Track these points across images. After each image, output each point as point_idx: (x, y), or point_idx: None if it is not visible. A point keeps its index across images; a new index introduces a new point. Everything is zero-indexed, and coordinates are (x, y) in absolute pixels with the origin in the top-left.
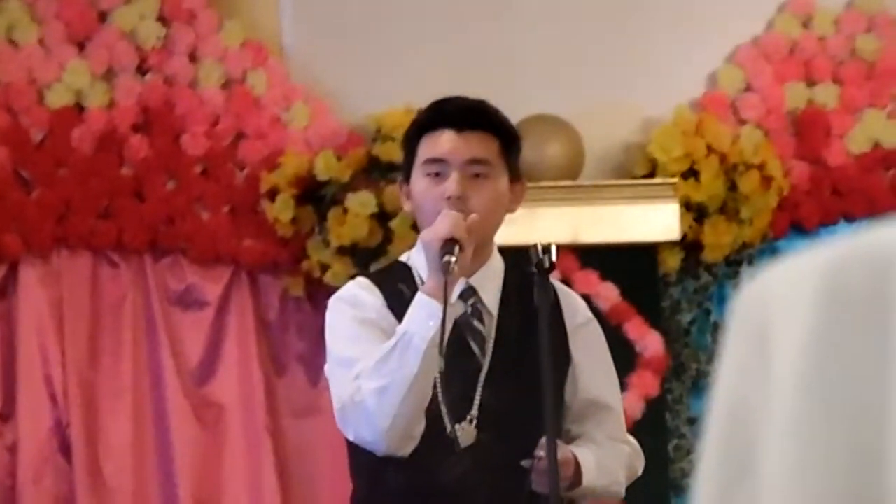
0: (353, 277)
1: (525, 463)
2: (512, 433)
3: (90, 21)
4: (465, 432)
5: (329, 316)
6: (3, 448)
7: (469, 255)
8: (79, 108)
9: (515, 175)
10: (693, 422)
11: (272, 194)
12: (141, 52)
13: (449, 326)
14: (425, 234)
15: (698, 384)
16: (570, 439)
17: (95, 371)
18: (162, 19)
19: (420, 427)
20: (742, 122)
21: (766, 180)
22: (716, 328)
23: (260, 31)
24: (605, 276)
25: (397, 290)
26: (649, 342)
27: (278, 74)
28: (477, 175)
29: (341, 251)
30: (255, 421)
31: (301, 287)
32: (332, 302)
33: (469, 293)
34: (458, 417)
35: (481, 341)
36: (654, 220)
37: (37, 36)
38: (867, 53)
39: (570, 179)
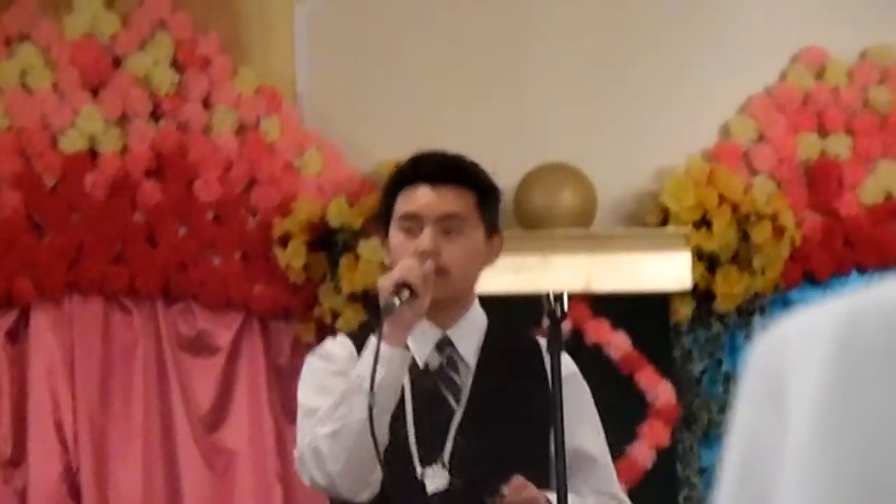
0: (363, 324)
1: (488, 502)
2: (484, 480)
3: (104, 66)
4: (437, 476)
5: (303, 370)
6: (13, 493)
7: (425, 303)
8: (92, 154)
9: (493, 228)
10: (704, 472)
11: (284, 240)
12: (154, 98)
13: (401, 375)
14: (380, 280)
15: (709, 434)
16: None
17: (106, 416)
18: (176, 65)
19: (376, 473)
20: (754, 172)
21: (779, 230)
22: (727, 378)
23: (274, 77)
24: (616, 325)
25: (368, 340)
26: (661, 392)
27: (292, 121)
28: (449, 231)
29: (353, 298)
30: (265, 467)
31: (312, 333)
32: (307, 358)
33: (445, 344)
34: (428, 461)
35: (456, 391)
36: (666, 269)
37: (51, 81)
38: (880, 105)
39: (582, 227)
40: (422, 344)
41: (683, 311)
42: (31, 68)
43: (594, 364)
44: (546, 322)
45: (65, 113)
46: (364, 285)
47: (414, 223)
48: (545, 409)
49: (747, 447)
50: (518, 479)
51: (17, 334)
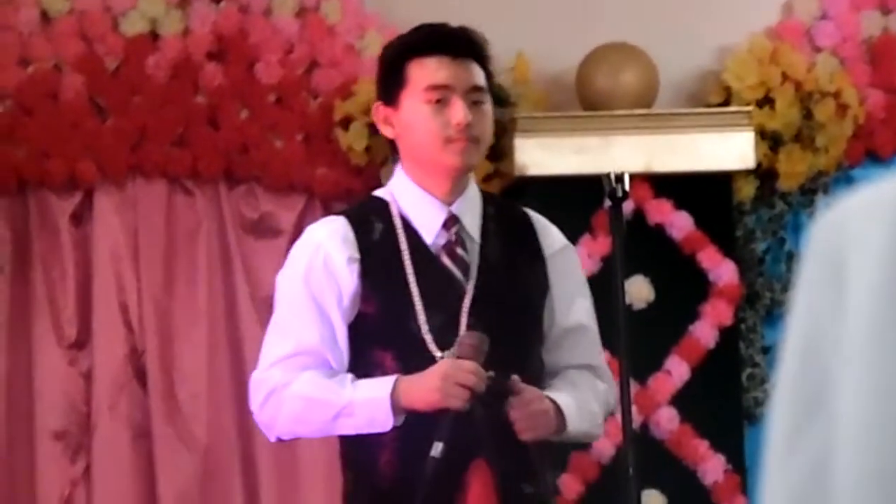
0: (367, 199)
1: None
2: (497, 359)
3: None
4: (450, 357)
5: (292, 262)
6: (78, 375)
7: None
8: (153, 36)
9: (496, 103)
10: (767, 351)
11: (346, 123)
12: None
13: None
14: (428, 396)
15: (772, 313)
16: (547, 372)
17: (170, 298)
18: None
19: None
20: (817, 50)
21: (842, 108)
22: (790, 257)
23: None
24: (678, 205)
25: (371, 228)
26: (723, 271)
27: (352, 3)
28: (475, 102)
29: None
30: None
31: None
32: (301, 248)
33: (452, 221)
34: (443, 346)
35: (465, 268)
36: (729, 149)
37: None
38: None
39: (644, 108)
40: (428, 220)
41: (746, 191)
42: None
43: (656, 244)
44: (607, 202)
45: None
46: None
47: (443, 94)
48: (542, 284)
49: (808, 329)
50: (526, 393)
51: (81, 217)
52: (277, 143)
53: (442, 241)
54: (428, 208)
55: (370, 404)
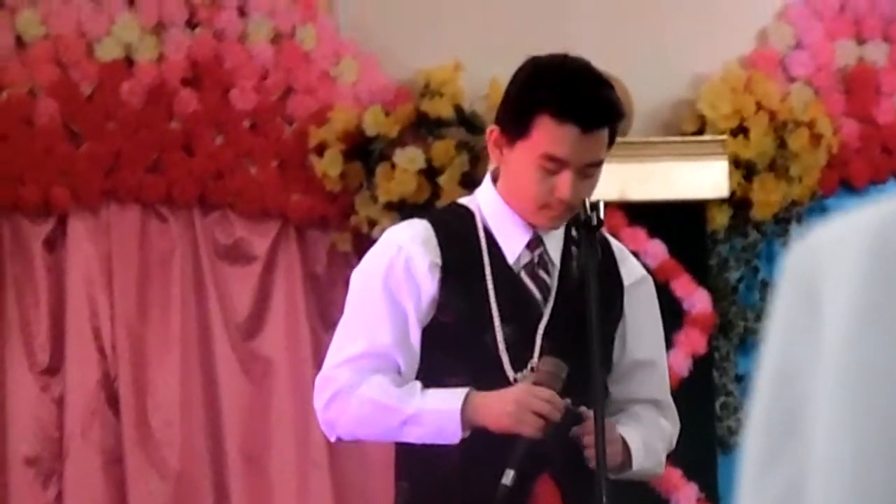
0: (450, 205)
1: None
2: (570, 384)
3: None
4: (526, 381)
5: (371, 262)
6: (50, 401)
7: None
8: (128, 62)
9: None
10: (740, 379)
11: (320, 149)
12: (190, 6)
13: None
14: (501, 420)
15: (746, 342)
16: (612, 404)
17: (144, 324)
18: None
19: None
20: (792, 79)
21: (816, 138)
22: (764, 286)
23: None
24: (652, 234)
25: (455, 236)
26: (697, 300)
27: (327, 29)
28: (587, 175)
29: (389, 206)
30: (302, 375)
31: (349, 242)
32: (381, 248)
33: (536, 242)
34: (517, 367)
35: (546, 291)
36: (703, 178)
37: None
38: None
39: (618, 136)
40: (513, 239)
41: (720, 220)
42: None
43: None
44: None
45: (101, 21)
46: (400, 194)
47: (556, 166)
48: (617, 313)
49: (782, 356)
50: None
51: (54, 243)
52: (252, 169)
53: (524, 261)
54: (514, 227)
55: (440, 415)
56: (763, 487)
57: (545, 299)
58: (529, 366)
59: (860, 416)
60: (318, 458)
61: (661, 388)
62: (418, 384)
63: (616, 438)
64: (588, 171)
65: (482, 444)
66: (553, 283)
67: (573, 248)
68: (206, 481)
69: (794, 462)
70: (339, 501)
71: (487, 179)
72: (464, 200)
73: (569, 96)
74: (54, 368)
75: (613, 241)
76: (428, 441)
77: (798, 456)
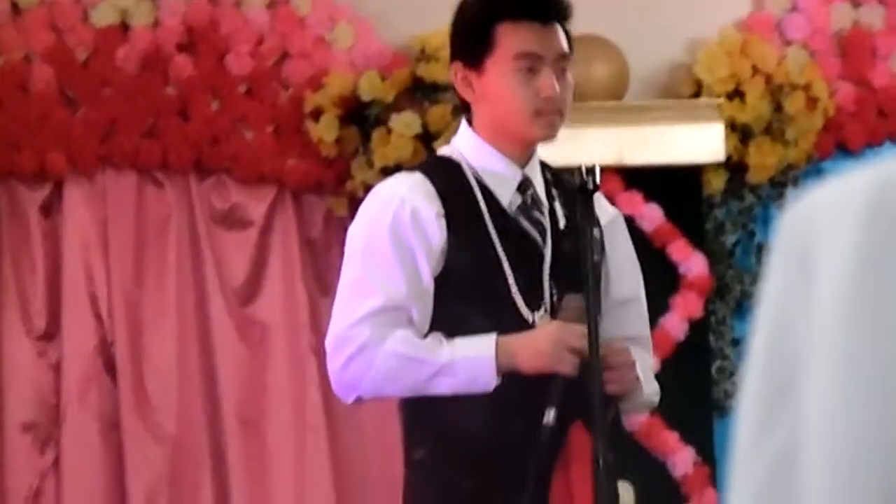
0: (434, 157)
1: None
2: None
3: None
4: (543, 321)
5: (371, 217)
6: (47, 366)
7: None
8: (123, 27)
9: None
10: (736, 343)
11: (316, 114)
12: None
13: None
14: (537, 360)
15: (742, 305)
16: None
17: (140, 290)
18: None
19: None
20: (787, 42)
21: (812, 101)
22: (760, 249)
23: None
24: (648, 198)
25: (449, 187)
26: (693, 264)
27: None
28: (562, 70)
29: (385, 171)
30: (299, 340)
31: (345, 207)
32: (381, 202)
33: (526, 184)
34: (533, 308)
35: (541, 231)
36: (699, 141)
37: None
38: None
39: (614, 100)
40: (504, 182)
41: (716, 183)
42: None
43: None
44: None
45: None
46: (396, 159)
47: (533, 63)
48: (602, 253)
49: (775, 320)
50: (618, 345)
51: (50, 208)
52: (248, 134)
53: (517, 203)
54: (503, 170)
55: (473, 363)
56: (757, 453)
57: (543, 239)
58: (543, 307)
59: (853, 381)
60: (314, 422)
61: (641, 325)
62: (441, 335)
63: (632, 362)
64: (561, 66)
65: (510, 392)
66: (546, 222)
67: (552, 190)
68: (203, 446)
69: (788, 427)
70: (336, 465)
71: (463, 126)
72: (444, 151)
73: None
74: (51, 334)
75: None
76: (459, 391)
77: (791, 420)
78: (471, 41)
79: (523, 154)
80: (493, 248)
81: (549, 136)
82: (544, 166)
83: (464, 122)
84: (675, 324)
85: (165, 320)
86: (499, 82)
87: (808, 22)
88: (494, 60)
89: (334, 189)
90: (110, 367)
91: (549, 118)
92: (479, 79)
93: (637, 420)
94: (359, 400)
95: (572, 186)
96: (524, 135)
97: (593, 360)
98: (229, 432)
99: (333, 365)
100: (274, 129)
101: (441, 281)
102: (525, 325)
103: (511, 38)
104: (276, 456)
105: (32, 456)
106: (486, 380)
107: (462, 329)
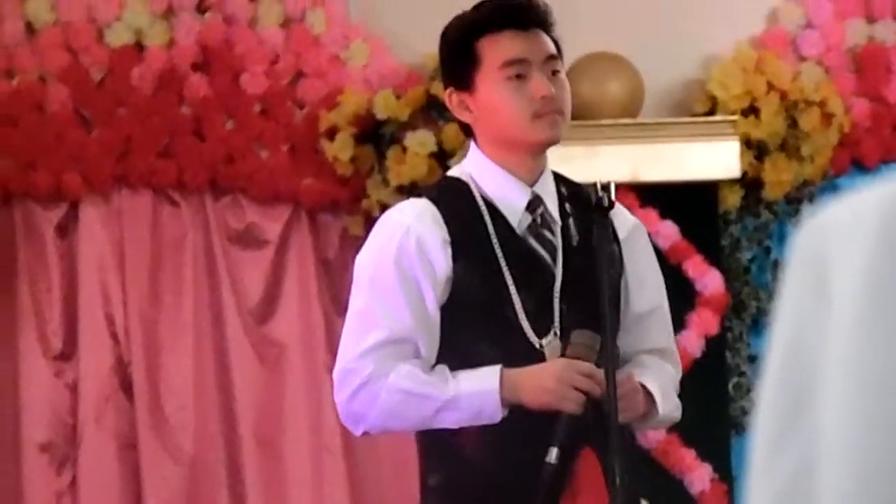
0: (443, 180)
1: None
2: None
3: None
4: (551, 345)
5: (377, 246)
6: (64, 387)
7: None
8: (138, 48)
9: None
10: (753, 360)
11: (331, 133)
12: None
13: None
14: (541, 397)
15: (758, 322)
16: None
17: (156, 310)
18: None
19: None
20: (802, 59)
21: (827, 117)
22: (776, 266)
23: None
24: (664, 215)
25: (457, 211)
26: (709, 280)
27: (337, 13)
28: (553, 72)
29: (401, 190)
30: (315, 359)
31: (361, 226)
32: (387, 230)
33: (536, 202)
34: (541, 333)
35: (552, 251)
36: (714, 158)
37: None
38: None
39: (629, 117)
40: (513, 202)
41: (732, 200)
42: None
43: None
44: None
45: (111, 7)
46: (411, 177)
47: (521, 69)
48: (618, 267)
49: (792, 334)
50: (620, 376)
51: (66, 229)
52: (263, 153)
53: (527, 223)
54: (511, 190)
55: (477, 397)
56: (773, 469)
57: (554, 260)
58: (552, 331)
59: (868, 398)
60: (331, 444)
61: (664, 336)
62: (446, 368)
63: (636, 388)
64: (552, 67)
65: (519, 423)
66: (558, 241)
67: (567, 206)
68: (220, 466)
69: (804, 442)
70: (354, 486)
71: (471, 147)
72: (453, 172)
73: (496, 11)
74: (68, 354)
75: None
76: (466, 424)
77: (807, 438)
78: (457, 63)
79: (532, 170)
80: (500, 273)
81: (552, 136)
82: (560, 181)
83: (472, 143)
84: (692, 341)
85: (182, 340)
86: (491, 95)
87: (822, 38)
88: (482, 76)
89: (350, 208)
90: (127, 387)
91: (549, 118)
92: (472, 98)
93: (654, 438)
94: (366, 433)
95: (589, 202)
96: (526, 141)
97: (609, 389)
98: (246, 451)
99: (340, 397)
100: (289, 148)
101: (448, 308)
102: (533, 351)
103: (494, 50)
104: (294, 475)
105: (49, 476)
106: (491, 413)
107: (470, 356)
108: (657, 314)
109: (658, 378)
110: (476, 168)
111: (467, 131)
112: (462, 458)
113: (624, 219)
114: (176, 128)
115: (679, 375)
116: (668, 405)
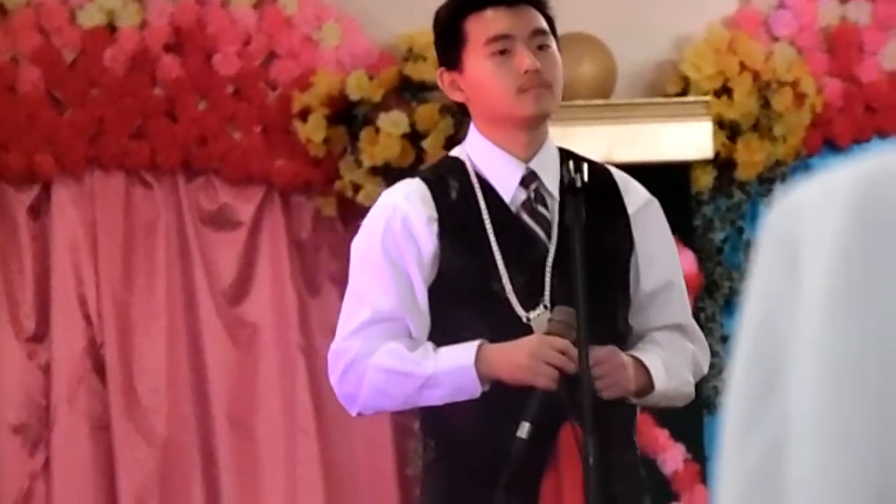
0: (441, 161)
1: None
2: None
3: None
4: (539, 319)
5: (368, 227)
6: (37, 368)
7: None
8: (111, 29)
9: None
10: (726, 340)
11: (304, 114)
12: None
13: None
14: (514, 372)
15: (731, 302)
16: (634, 336)
17: (129, 291)
18: None
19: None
20: (775, 39)
21: (800, 98)
22: (748, 246)
23: None
24: None
25: (448, 187)
26: (682, 261)
27: None
28: (541, 47)
29: (374, 171)
30: (288, 340)
31: (333, 207)
32: (377, 211)
33: (531, 178)
34: (529, 305)
35: (546, 226)
36: (687, 139)
37: None
38: None
39: (602, 98)
40: (505, 178)
41: (704, 180)
42: None
43: None
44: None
45: None
46: (384, 158)
47: (505, 45)
48: (627, 243)
49: (762, 313)
50: (596, 351)
51: (38, 210)
52: (236, 134)
53: (521, 199)
54: (504, 165)
55: (455, 373)
56: (744, 449)
57: (548, 235)
58: (542, 304)
59: (839, 376)
60: (304, 424)
61: (680, 311)
62: (430, 345)
63: (621, 363)
64: (540, 41)
65: (502, 396)
66: (554, 216)
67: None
68: (194, 447)
69: (775, 424)
70: (326, 465)
71: (472, 128)
72: (454, 152)
73: None
74: (40, 336)
75: (615, 172)
76: (452, 400)
77: (778, 418)
78: (446, 43)
79: (527, 145)
80: (489, 248)
81: (539, 110)
82: (567, 157)
83: (472, 124)
84: None
85: (154, 321)
86: (477, 72)
87: (795, 18)
88: (469, 53)
89: (323, 189)
90: (100, 369)
91: (535, 92)
92: (461, 77)
93: None
94: (360, 414)
95: (597, 172)
96: (513, 115)
97: (582, 362)
98: (219, 433)
99: (332, 378)
100: (262, 129)
101: (437, 284)
102: (520, 325)
103: (479, 27)
104: (267, 456)
105: (22, 457)
106: (471, 389)
107: (459, 331)
108: (670, 290)
109: (664, 354)
110: (472, 146)
111: (465, 111)
112: (454, 433)
113: (637, 194)
114: (148, 109)
115: (704, 351)
116: (673, 381)
